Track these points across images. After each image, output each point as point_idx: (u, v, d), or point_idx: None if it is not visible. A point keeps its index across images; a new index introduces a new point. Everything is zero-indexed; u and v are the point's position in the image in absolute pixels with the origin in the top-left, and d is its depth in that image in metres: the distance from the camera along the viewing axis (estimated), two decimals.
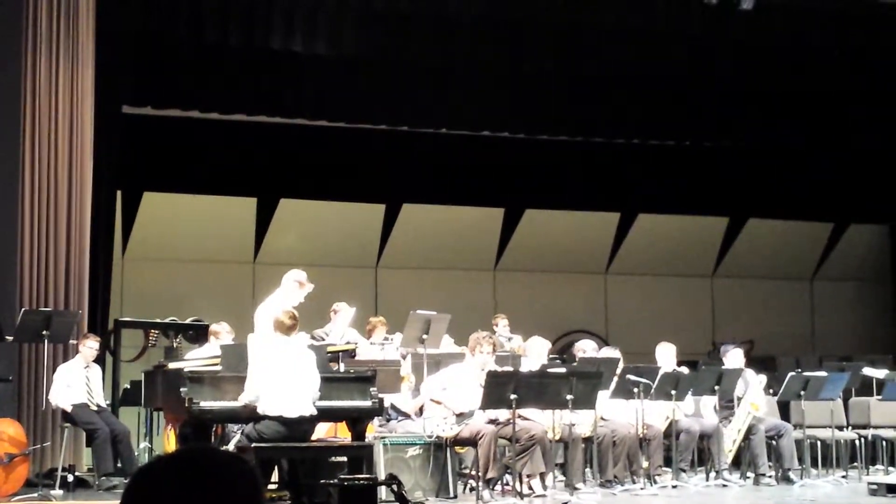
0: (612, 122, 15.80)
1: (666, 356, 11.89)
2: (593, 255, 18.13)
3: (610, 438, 10.80)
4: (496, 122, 15.67)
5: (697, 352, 16.27)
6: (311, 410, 8.52)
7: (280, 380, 8.44)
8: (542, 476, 9.86)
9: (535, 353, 11.27)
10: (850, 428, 12.97)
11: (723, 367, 12.09)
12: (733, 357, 12.24)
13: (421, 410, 10.69)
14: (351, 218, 16.87)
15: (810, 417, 11.98)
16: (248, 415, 8.51)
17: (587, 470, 10.87)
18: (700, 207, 17.93)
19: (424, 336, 10.92)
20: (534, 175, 17.03)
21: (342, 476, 8.53)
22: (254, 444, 8.35)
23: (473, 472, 9.96)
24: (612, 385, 10.91)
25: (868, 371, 13.28)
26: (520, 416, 9.55)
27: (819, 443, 12.56)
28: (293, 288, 10.02)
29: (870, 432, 12.90)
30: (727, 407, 11.91)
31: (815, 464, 12.45)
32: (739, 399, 11.82)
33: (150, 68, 13.73)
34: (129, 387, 12.39)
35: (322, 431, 9.82)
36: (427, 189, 16.84)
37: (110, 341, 12.86)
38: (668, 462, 11.45)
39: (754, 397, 11.82)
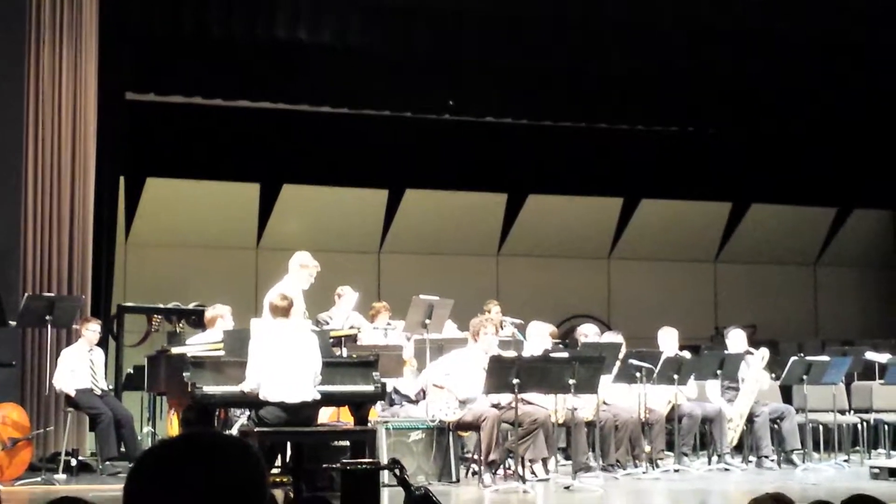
0: (614, 108, 15.78)
1: (668, 341, 11.90)
2: (596, 240, 18.12)
3: (612, 423, 10.83)
4: (499, 107, 15.66)
5: (700, 336, 16.26)
6: (313, 395, 8.53)
7: (280, 365, 8.44)
8: (545, 460, 9.89)
9: (535, 338, 11.24)
10: (852, 412, 13.00)
11: (725, 351, 12.11)
12: (735, 338, 12.25)
13: (424, 395, 10.73)
14: (354, 203, 16.86)
15: (813, 402, 12.00)
16: (251, 400, 8.53)
17: (589, 454, 10.89)
18: (703, 193, 17.90)
19: (427, 321, 10.94)
20: (537, 160, 17.01)
21: (345, 460, 8.56)
22: (257, 429, 8.37)
23: (476, 457, 9.99)
24: (615, 370, 10.92)
25: (870, 355, 13.29)
26: (522, 401, 9.57)
27: (821, 427, 12.59)
28: (298, 272, 10.10)
29: (872, 416, 12.93)
30: (731, 388, 11.94)
31: (817, 448, 12.49)
32: (743, 380, 11.85)
33: (153, 55, 13.74)
34: (132, 372, 12.41)
35: (325, 416, 9.84)
36: (430, 174, 16.82)
37: (113, 326, 12.88)
38: (670, 446, 11.48)
39: (756, 374, 11.86)
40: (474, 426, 9.79)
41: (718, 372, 11.56)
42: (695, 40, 14.69)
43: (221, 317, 10.62)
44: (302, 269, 10.18)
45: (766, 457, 11.63)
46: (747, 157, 17.40)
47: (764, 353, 12.07)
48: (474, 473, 10.05)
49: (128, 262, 15.43)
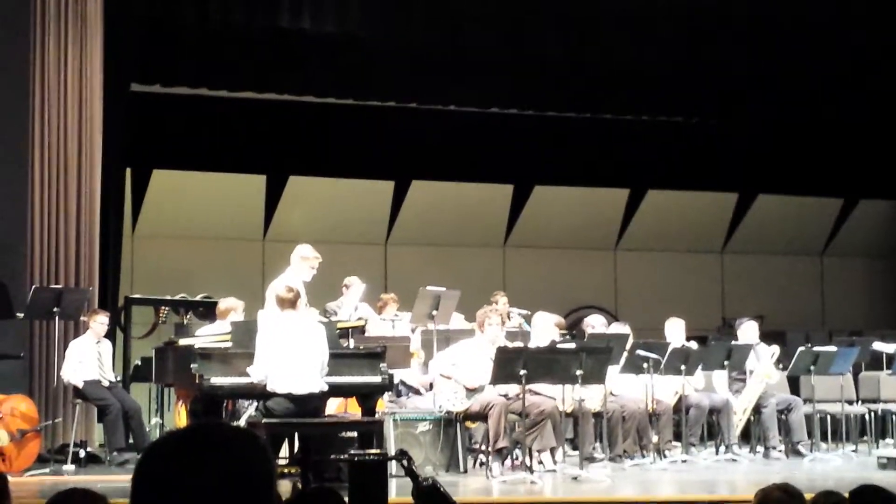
0: (620, 99, 15.75)
1: (675, 331, 11.90)
2: (603, 231, 18.11)
3: (619, 413, 10.83)
4: (505, 98, 15.64)
5: (707, 327, 16.26)
6: (320, 386, 8.54)
7: (288, 357, 8.45)
8: (552, 451, 9.90)
9: (541, 329, 11.21)
10: (859, 402, 12.99)
11: (733, 341, 12.10)
12: (747, 330, 12.24)
13: (431, 386, 10.73)
14: (360, 195, 16.85)
15: (820, 392, 12.00)
16: (259, 391, 8.54)
17: (597, 444, 10.89)
18: (709, 183, 17.87)
19: (434, 312, 10.94)
20: (543, 151, 16.99)
21: (352, 451, 8.56)
22: (264, 420, 8.39)
23: (484, 447, 9.99)
24: (622, 360, 10.92)
25: (878, 346, 13.27)
26: (530, 391, 9.57)
27: (829, 417, 12.58)
28: (299, 264, 10.12)
29: (879, 406, 12.93)
30: (739, 380, 11.93)
31: (824, 438, 12.49)
32: (751, 372, 11.84)
33: (158, 46, 13.72)
34: (139, 363, 12.42)
35: (332, 407, 9.85)
36: (436, 166, 16.80)
37: (121, 318, 12.90)
38: (677, 437, 11.47)
39: (766, 370, 11.84)
40: (482, 416, 9.79)
41: (726, 363, 11.55)
42: (700, 30, 14.65)
43: (234, 310, 10.62)
44: (303, 262, 10.21)
45: (774, 447, 11.62)
46: (753, 148, 17.37)
47: (774, 351, 12.06)
48: (482, 464, 10.06)
49: (135, 254, 15.44)
